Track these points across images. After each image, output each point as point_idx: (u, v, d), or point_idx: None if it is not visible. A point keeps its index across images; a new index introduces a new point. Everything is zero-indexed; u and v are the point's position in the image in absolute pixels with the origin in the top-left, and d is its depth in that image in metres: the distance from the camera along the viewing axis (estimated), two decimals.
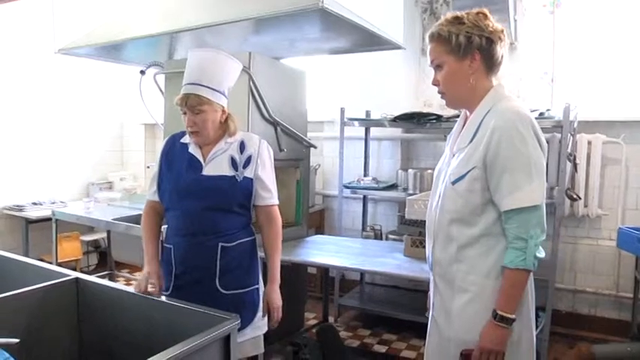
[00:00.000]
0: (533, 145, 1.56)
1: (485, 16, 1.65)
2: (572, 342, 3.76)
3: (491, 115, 1.61)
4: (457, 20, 1.64)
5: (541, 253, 1.59)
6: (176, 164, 2.10)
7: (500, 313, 1.57)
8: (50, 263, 3.82)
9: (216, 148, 2.09)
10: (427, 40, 1.72)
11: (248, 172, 2.09)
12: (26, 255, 4.61)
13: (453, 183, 1.66)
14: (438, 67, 1.70)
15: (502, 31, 1.66)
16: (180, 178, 2.06)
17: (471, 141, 1.64)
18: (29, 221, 4.92)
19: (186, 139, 2.13)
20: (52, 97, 5.41)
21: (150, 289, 1.98)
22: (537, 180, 1.56)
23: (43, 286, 1.94)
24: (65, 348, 1.98)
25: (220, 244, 2.06)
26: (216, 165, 2.07)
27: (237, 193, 2.07)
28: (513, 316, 1.58)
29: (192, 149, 2.10)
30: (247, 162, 2.10)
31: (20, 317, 1.83)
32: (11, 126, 5.06)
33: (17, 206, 5.00)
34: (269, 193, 2.17)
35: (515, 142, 1.55)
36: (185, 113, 2.03)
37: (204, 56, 2.06)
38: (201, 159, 2.08)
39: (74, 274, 2.07)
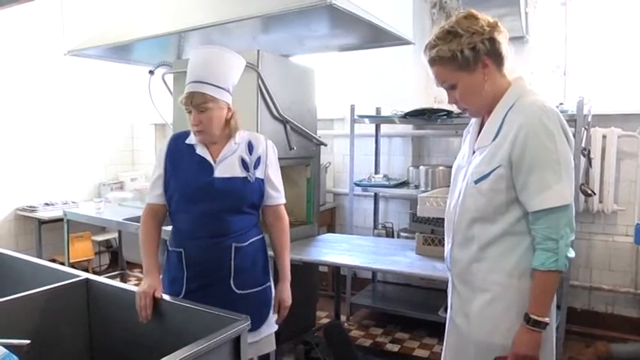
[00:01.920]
0: (561, 142, 1.50)
1: (474, 16, 1.58)
2: (588, 340, 3.70)
3: (515, 111, 1.55)
4: (451, 35, 1.56)
5: (571, 253, 1.54)
6: (184, 166, 2.05)
7: (533, 317, 1.52)
8: (63, 264, 3.85)
9: (226, 150, 2.06)
10: (426, 63, 1.64)
11: (259, 173, 2.09)
12: (39, 255, 4.66)
13: (476, 182, 1.60)
14: (451, 87, 1.62)
15: (496, 23, 1.58)
16: (191, 180, 2.02)
17: (495, 138, 1.58)
18: (42, 222, 4.96)
19: (191, 139, 2.08)
20: (62, 98, 5.44)
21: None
22: (566, 178, 1.50)
23: (53, 288, 1.93)
24: (75, 349, 1.97)
25: (234, 245, 2.05)
26: (227, 166, 2.04)
27: (249, 193, 2.07)
28: (547, 320, 1.53)
29: (200, 150, 2.06)
30: (257, 163, 2.10)
31: (31, 318, 1.82)
32: (23, 128, 5.10)
33: (30, 207, 5.04)
34: (278, 193, 2.18)
35: (543, 139, 1.48)
36: (190, 112, 2.00)
37: (208, 53, 2.03)
38: (211, 160, 2.04)
39: (84, 275, 2.06)
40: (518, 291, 1.57)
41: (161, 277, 2.14)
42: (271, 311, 2.17)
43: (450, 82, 1.61)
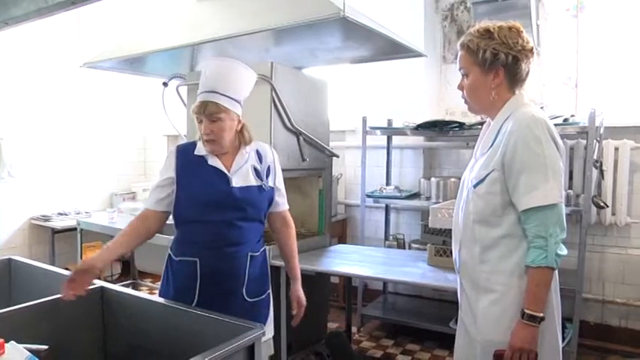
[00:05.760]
0: (548, 147, 1.61)
1: (518, 32, 1.70)
2: (601, 355, 3.67)
3: (510, 121, 1.68)
4: (487, 34, 1.70)
5: (563, 251, 1.63)
6: (198, 176, 2.04)
7: (527, 311, 1.61)
8: None
9: (238, 159, 2.08)
10: (458, 46, 1.79)
11: (270, 182, 2.14)
12: (53, 264, 4.67)
13: (475, 186, 1.73)
14: (465, 74, 1.77)
15: (531, 49, 1.71)
16: (209, 190, 2.02)
17: (491, 146, 1.72)
18: (55, 231, 5.01)
19: (200, 150, 2.08)
20: (76, 109, 5.51)
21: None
22: (553, 179, 1.61)
23: None
24: (90, 356, 1.99)
25: (249, 254, 2.09)
26: (242, 176, 2.06)
27: (264, 202, 2.12)
28: (542, 315, 1.61)
29: (212, 161, 2.06)
30: (268, 171, 2.14)
31: (47, 325, 1.84)
32: (37, 138, 5.17)
33: (44, 216, 5.10)
34: (284, 199, 2.25)
35: (531, 144, 1.60)
36: (201, 122, 2.01)
37: (223, 65, 2.06)
38: (225, 170, 2.05)
39: (99, 283, 2.08)
40: (519, 290, 1.66)
41: (160, 284, 2.18)
42: (269, 317, 2.22)
43: (465, 71, 1.77)
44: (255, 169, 2.10)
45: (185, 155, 2.09)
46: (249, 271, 2.08)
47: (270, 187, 2.13)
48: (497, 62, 1.68)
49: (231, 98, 2.01)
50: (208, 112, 1.98)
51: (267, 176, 2.13)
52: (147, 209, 2.08)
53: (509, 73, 1.70)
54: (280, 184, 2.21)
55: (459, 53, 1.78)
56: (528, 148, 1.60)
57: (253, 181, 2.08)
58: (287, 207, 2.26)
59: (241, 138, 2.10)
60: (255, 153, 2.14)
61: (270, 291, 2.24)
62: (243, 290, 2.08)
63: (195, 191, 2.03)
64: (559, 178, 1.63)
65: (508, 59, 1.68)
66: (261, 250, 2.16)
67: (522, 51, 1.68)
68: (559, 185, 1.62)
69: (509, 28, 1.69)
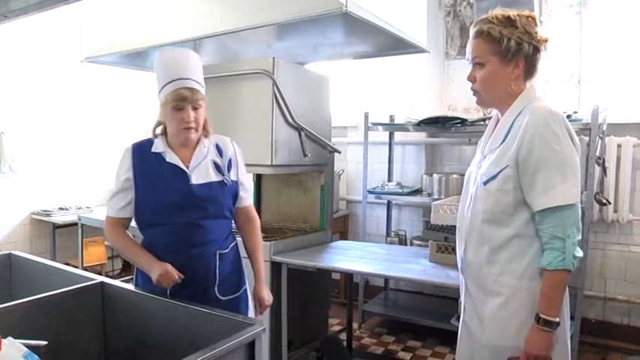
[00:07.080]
0: (566, 143, 1.54)
1: (535, 21, 1.64)
2: (602, 352, 3.66)
3: (524, 115, 1.60)
4: (509, 22, 1.62)
5: (579, 252, 1.55)
6: (156, 176, 1.95)
7: (543, 316, 1.54)
8: (76, 267, 3.88)
9: (197, 154, 1.99)
10: (471, 34, 1.69)
11: (232, 176, 2.05)
12: (53, 259, 4.70)
13: (485, 183, 1.64)
14: (478, 64, 1.67)
15: (547, 40, 1.65)
16: (168, 190, 1.93)
17: (503, 141, 1.63)
18: (56, 226, 5.03)
19: (157, 147, 1.99)
20: (78, 104, 5.50)
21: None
22: (572, 178, 1.53)
23: (69, 290, 1.94)
24: (91, 351, 1.98)
25: (218, 252, 2.02)
26: (202, 172, 1.98)
27: (227, 198, 2.03)
28: (557, 320, 1.54)
29: (170, 158, 1.96)
30: (229, 165, 2.05)
31: (47, 320, 1.83)
32: (39, 133, 5.17)
33: (45, 211, 5.10)
34: (247, 194, 2.15)
35: (549, 141, 1.52)
36: (181, 109, 1.90)
37: (184, 53, 1.98)
38: (184, 167, 1.96)
39: (99, 278, 2.08)
40: (529, 293, 1.59)
41: (134, 278, 2.14)
42: (250, 313, 2.15)
43: (481, 60, 1.66)
44: (216, 164, 2.01)
45: (141, 154, 2.00)
46: (220, 270, 2.02)
47: (232, 181, 2.04)
48: (521, 52, 1.61)
49: (202, 85, 1.97)
50: (194, 98, 1.90)
51: (228, 170, 2.04)
52: (115, 217, 2.01)
53: (528, 64, 1.63)
54: (243, 178, 2.11)
55: (473, 41, 1.67)
56: (546, 145, 1.52)
57: (214, 177, 1.99)
58: (250, 202, 2.18)
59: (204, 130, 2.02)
60: (215, 147, 2.05)
61: (247, 287, 2.18)
62: (216, 289, 2.02)
63: (153, 193, 1.95)
64: (577, 176, 1.55)
65: (530, 49, 1.61)
66: (231, 246, 2.09)
67: (541, 41, 1.62)
68: (577, 184, 1.54)
69: (527, 17, 1.63)
